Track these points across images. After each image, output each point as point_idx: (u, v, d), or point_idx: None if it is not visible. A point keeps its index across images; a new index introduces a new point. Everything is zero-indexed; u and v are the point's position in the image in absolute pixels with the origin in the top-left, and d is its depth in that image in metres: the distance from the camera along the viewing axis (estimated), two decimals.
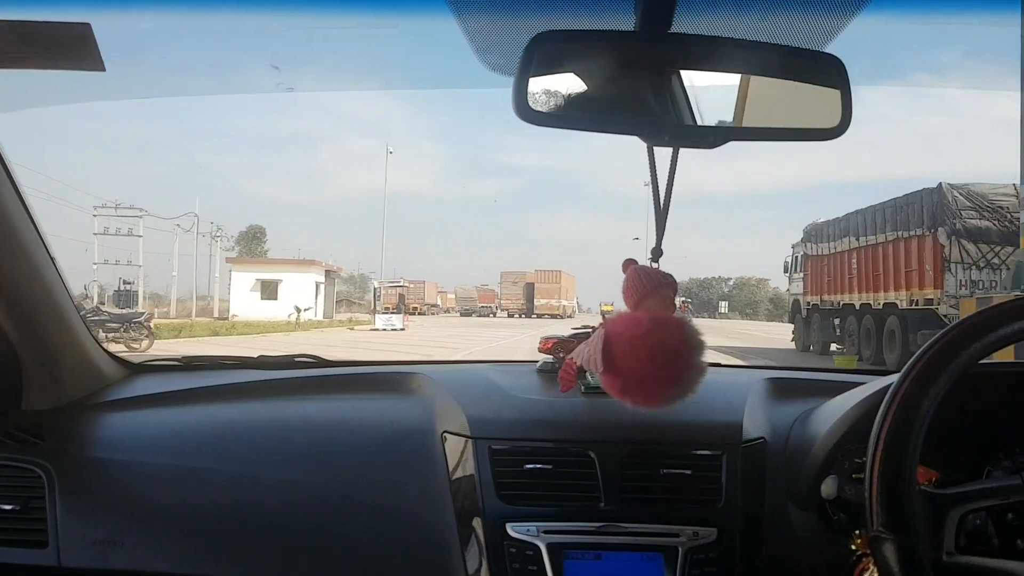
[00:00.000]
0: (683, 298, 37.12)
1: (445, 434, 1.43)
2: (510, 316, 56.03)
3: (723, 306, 77.25)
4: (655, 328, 1.03)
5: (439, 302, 62.96)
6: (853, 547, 1.14)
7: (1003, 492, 0.97)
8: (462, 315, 56.91)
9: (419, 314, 51.83)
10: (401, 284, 54.60)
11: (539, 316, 52.63)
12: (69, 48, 1.15)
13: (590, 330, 1.89)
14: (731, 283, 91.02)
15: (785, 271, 21.98)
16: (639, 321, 1.04)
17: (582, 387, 1.52)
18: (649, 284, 1.05)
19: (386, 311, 41.03)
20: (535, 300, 57.14)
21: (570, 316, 51.12)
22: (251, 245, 59.54)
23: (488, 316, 56.02)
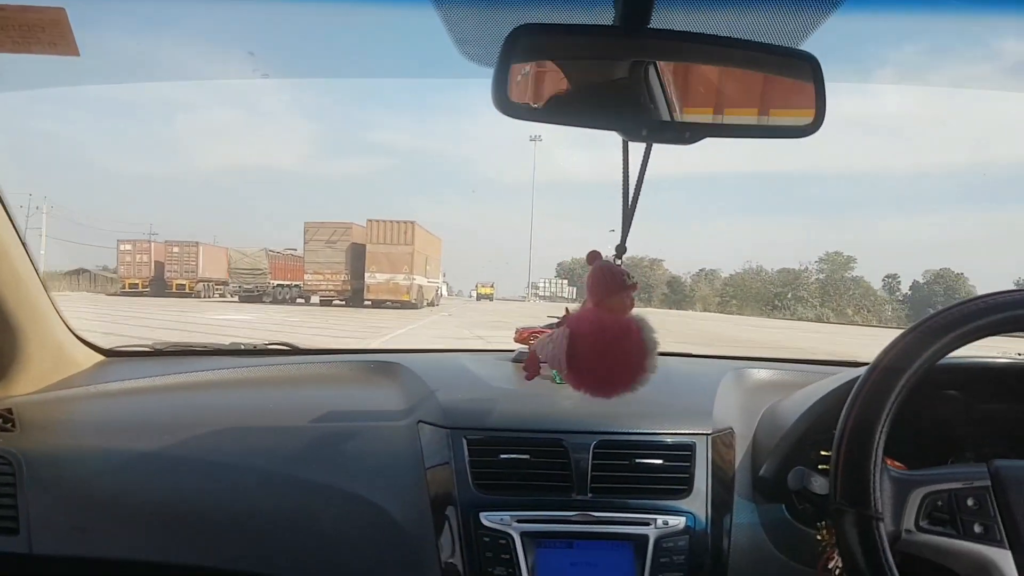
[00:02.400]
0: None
1: (420, 423, 1.44)
2: (324, 303, 31.36)
3: None
4: (619, 334, 1.05)
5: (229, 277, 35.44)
6: (819, 538, 1.16)
7: (967, 477, 1.00)
8: (242, 299, 32.77)
9: (191, 295, 33.89)
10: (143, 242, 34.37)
11: (375, 304, 29.69)
12: (43, 33, 1.13)
13: (559, 320, 1.91)
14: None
15: None
16: (603, 324, 1.06)
17: (556, 378, 1.54)
18: (614, 284, 1.06)
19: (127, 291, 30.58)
20: (368, 273, 30.46)
21: (430, 304, 32.93)
22: None
23: (288, 302, 31.78)
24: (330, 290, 31.90)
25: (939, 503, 0.99)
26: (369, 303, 30.11)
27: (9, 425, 1.48)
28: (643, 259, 76.59)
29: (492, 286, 59.55)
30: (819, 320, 46.86)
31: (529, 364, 1.22)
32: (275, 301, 32.22)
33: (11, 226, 1.50)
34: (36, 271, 1.62)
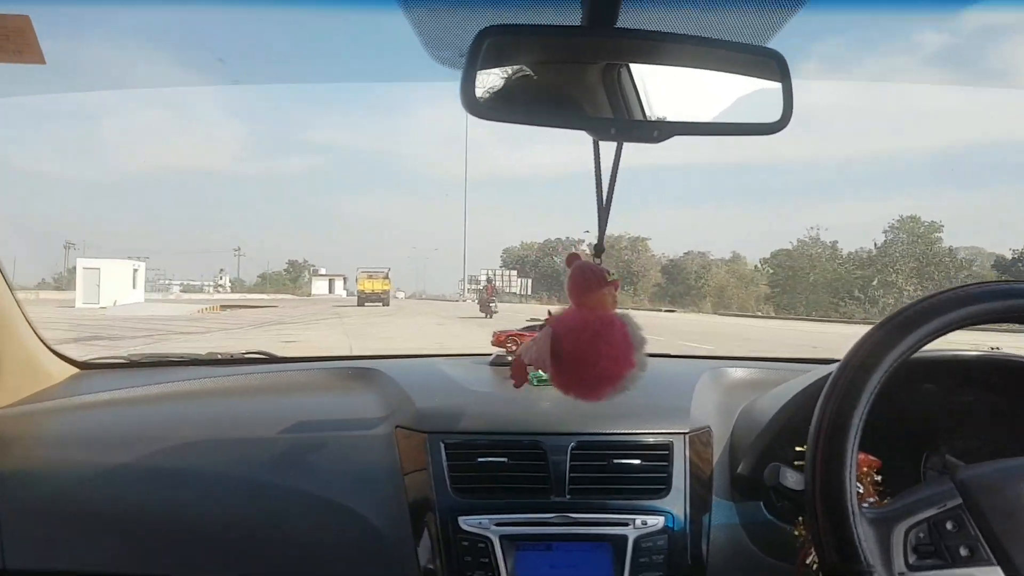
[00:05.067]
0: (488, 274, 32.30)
1: (398, 428, 1.43)
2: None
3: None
4: (602, 329, 1.04)
5: None
6: (797, 533, 1.16)
7: (939, 499, 0.98)
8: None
9: None
10: None
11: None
12: (7, 41, 1.12)
13: (541, 323, 1.91)
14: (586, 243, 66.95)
15: None
16: (586, 322, 1.05)
17: (534, 380, 1.54)
18: (593, 282, 1.06)
19: None
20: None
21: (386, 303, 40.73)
22: None
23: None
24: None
25: (921, 535, 0.97)
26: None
27: None
28: (621, 238, 60.31)
29: (386, 277, 44.68)
30: None
31: (516, 371, 1.20)
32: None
33: None
34: (7, 283, 1.60)
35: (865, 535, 0.94)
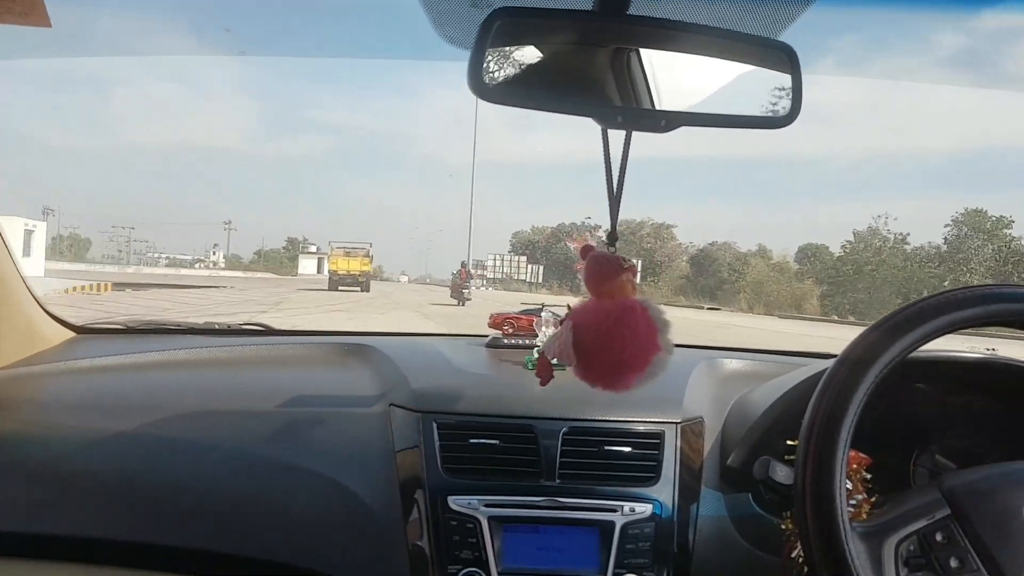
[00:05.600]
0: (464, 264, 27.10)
1: (392, 406, 1.44)
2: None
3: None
4: (623, 316, 1.02)
5: None
6: (783, 527, 1.17)
7: (927, 511, 0.98)
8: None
9: None
10: None
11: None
12: (14, 3, 1.11)
13: (538, 307, 1.91)
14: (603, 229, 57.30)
15: None
16: (606, 310, 1.03)
17: (529, 364, 1.54)
18: (610, 270, 1.04)
19: None
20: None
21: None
22: None
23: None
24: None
25: (911, 548, 0.97)
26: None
27: None
28: (643, 224, 53.98)
29: (367, 256, 37.02)
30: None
31: (541, 369, 1.18)
32: None
33: None
34: (7, 248, 1.60)
35: (857, 551, 0.94)
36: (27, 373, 1.61)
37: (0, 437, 1.41)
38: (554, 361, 1.13)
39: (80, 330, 1.93)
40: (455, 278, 26.12)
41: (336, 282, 34.50)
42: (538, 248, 62.08)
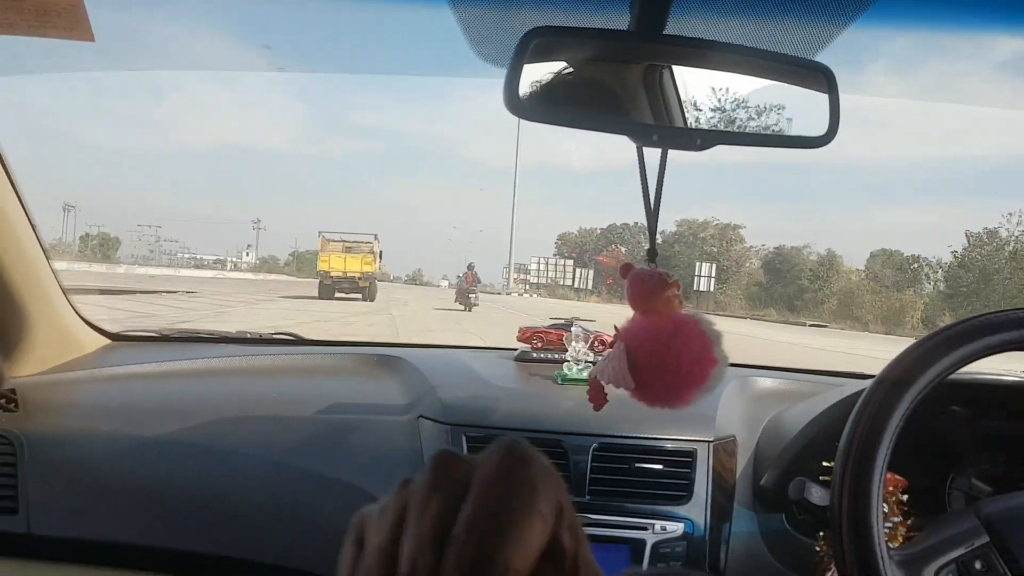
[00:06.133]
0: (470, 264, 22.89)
1: (421, 419, 1.44)
2: None
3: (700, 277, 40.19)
4: (676, 332, 1.00)
5: None
6: (817, 548, 1.16)
7: (966, 538, 0.97)
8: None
9: None
10: None
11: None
12: (59, 17, 1.14)
13: (563, 321, 1.91)
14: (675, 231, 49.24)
15: None
16: (657, 328, 1.02)
17: (559, 379, 1.54)
18: (654, 286, 1.03)
19: None
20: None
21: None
22: None
23: None
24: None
25: None
26: None
27: (12, 406, 1.49)
28: (706, 224, 47.29)
29: (370, 253, 27.19)
30: None
31: (594, 395, 1.16)
32: None
33: (23, 212, 1.51)
34: (45, 255, 1.63)
35: None
36: (63, 379, 1.64)
37: (34, 441, 1.43)
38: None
39: (115, 337, 1.95)
40: (461, 282, 24.62)
41: (329, 288, 25.95)
42: (586, 251, 57.31)
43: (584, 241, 59.63)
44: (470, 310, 19.87)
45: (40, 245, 1.61)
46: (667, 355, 1.01)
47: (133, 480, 1.43)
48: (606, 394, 1.14)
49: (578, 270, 48.37)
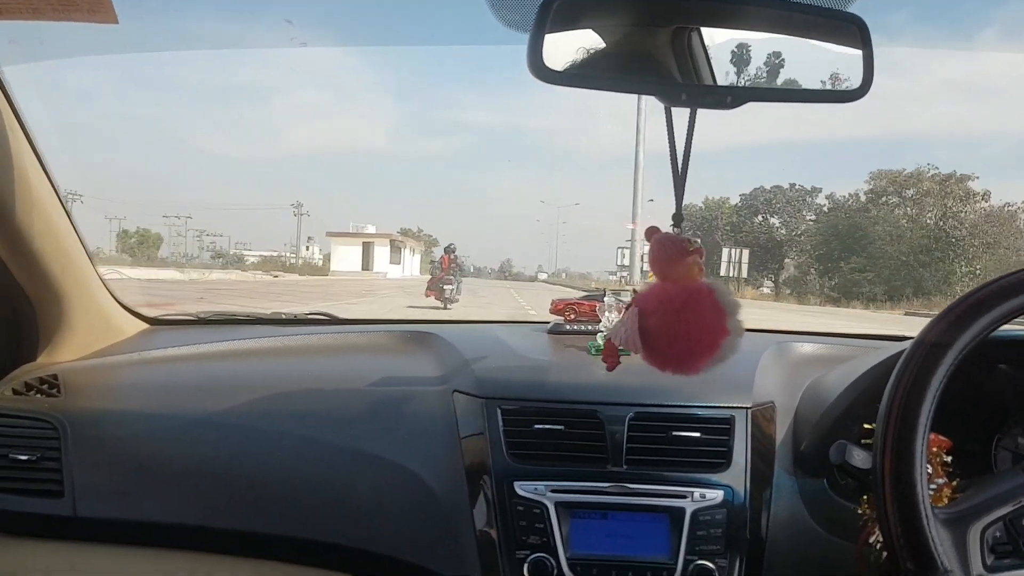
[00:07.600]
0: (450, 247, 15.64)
1: (456, 392, 1.44)
2: None
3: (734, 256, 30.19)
4: (688, 300, 1.00)
5: None
6: (860, 511, 1.14)
7: (1012, 495, 0.94)
8: None
9: None
10: None
11: None
12: (82, 1, 1.14)
13: (600, 292, 1.89)
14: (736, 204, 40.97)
15: None
16: (671, 295, 1.01)
17: (592, 349, 1.53)
18: (675, 253, 1.02)
19: None
20: None
21: None
22: None
23: None
24: None
25: (997, 534, 0.93)
26: None
27: (55, 391, 1.52)
28: (920, 176, 34.22)
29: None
30: None
31: (607, 355, 1.16)
32: None
33: (58, 201, 1.53)
34: (82, 243, 1.65)
35: (941, 539, 0.90)
36: (104, 364, 1.66)
37: (78, 425, 1.45)
38: (621, 348, 1.11)
39: (153, 321, 1.98)
40: (435, 269, 18.95)
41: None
42: (716, 227, 40.80)
43: (712, 216, 42.37)
44: (447, 307, 15.21)
45: (76, 233, 1.63)
46: (676, 323, 1.00)
47: (175, 460, 1.45)
48: (619, 355, 1.14)
49: (727, 250, 32.21)
